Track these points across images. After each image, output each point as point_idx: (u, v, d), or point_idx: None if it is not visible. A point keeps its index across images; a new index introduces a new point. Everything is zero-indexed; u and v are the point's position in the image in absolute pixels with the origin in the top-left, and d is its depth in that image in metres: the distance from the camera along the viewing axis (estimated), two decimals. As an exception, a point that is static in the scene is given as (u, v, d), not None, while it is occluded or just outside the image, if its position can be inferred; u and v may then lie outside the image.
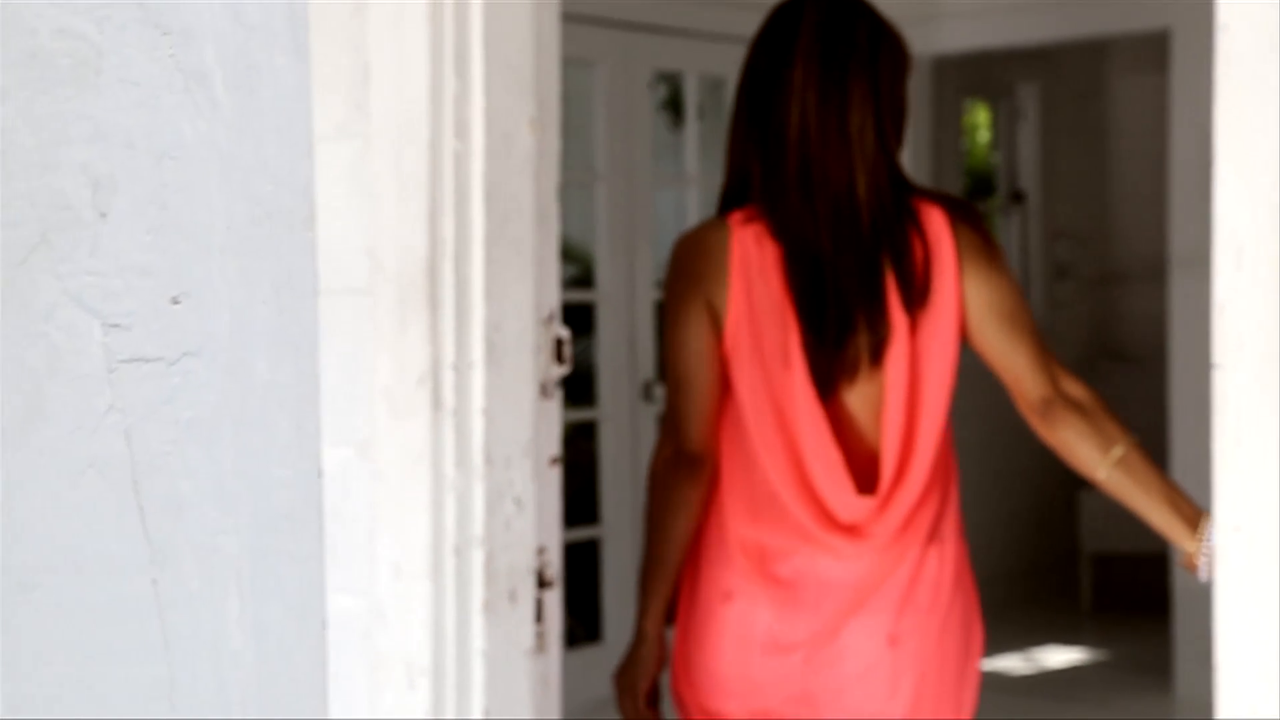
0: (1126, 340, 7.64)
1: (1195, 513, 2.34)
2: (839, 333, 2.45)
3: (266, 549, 1.01)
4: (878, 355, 2.46)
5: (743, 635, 2.49)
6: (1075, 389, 2.44)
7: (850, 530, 2.47)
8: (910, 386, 2.45)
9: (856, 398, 2.49)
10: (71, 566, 0.93)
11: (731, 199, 2.57)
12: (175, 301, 0.97)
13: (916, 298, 2.44)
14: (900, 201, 2.47)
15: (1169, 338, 5.87)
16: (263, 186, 1.02)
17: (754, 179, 2.52)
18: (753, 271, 2.49)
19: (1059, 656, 6.42)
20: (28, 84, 0.91)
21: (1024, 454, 6.66)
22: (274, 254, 1.02)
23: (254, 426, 1.01)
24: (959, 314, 2.46)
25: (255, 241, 1.01)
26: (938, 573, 2.50)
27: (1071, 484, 7.14)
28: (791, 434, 2.46)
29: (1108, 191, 7.62)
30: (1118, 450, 2.38)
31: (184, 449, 0.98)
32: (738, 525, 2.49)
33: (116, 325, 0.95)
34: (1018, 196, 7.40)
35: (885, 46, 2.50)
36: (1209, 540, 2.28)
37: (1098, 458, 2.39)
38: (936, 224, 2.46)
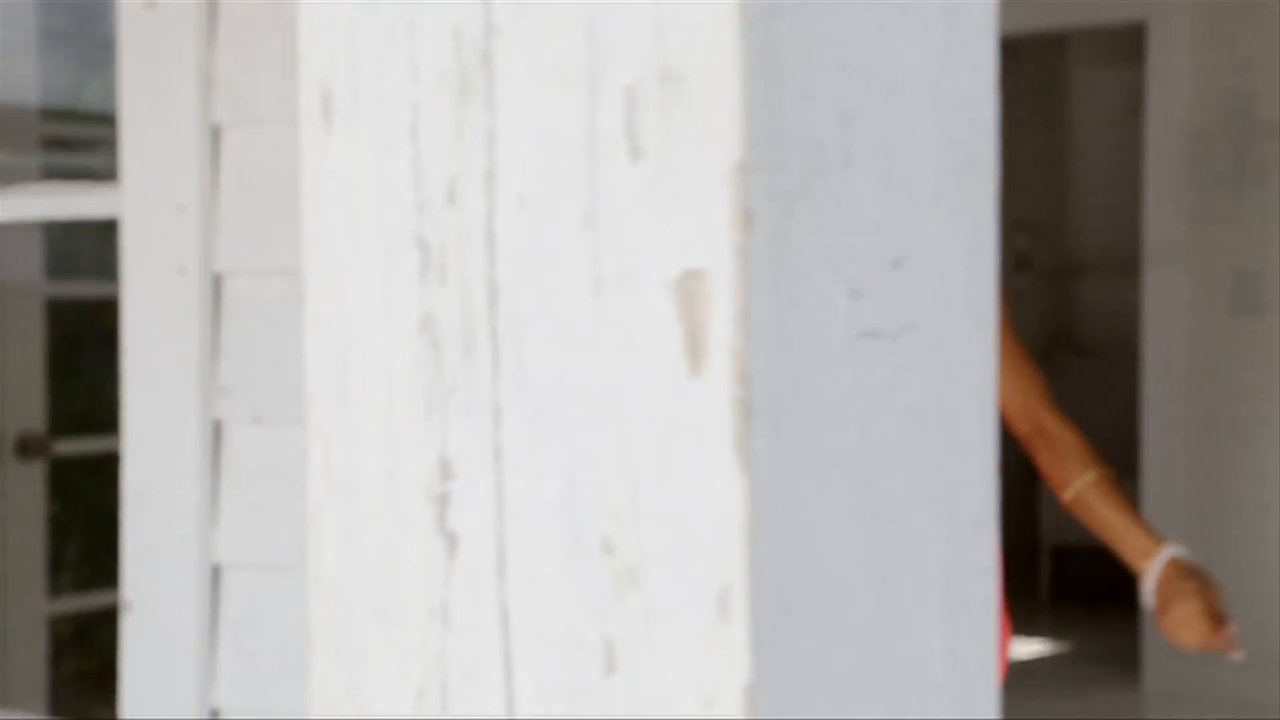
0: (1085, 333, 7.62)
1: (1148, 545, 2.44)
2: None
3: (961, 564, 0.85)
4: None
5: None
6: (1052, 426, 2.58)
7: None
8: None
9: None
10: (829, 583, 0.76)
11: None
12: (897, 265, 0.81)
13: None
14: None
15: (1141, 331, 5.84)
16: (960, 129, 0.85)
17: None
18: None
19: (1021, 648, 6.38)
20: (793, -7, 0.74)
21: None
22: (968, 210, 0.86)
23: (951, 414, 0.85)
24: None
25: (955, 194, 0.85)
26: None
27: (1031, 476, 7.11)
28: None
29: (1067, 184, 7.60)
30: (1078, 485, 2.54)
31: (900, 440, 0.81)
32: None
33: (857, 292, 0.78)
34: (977, 186, 7.36)
35: None
36: (1155, 571, 2.41)
37: (1061, 488, 2.58)
38: None
